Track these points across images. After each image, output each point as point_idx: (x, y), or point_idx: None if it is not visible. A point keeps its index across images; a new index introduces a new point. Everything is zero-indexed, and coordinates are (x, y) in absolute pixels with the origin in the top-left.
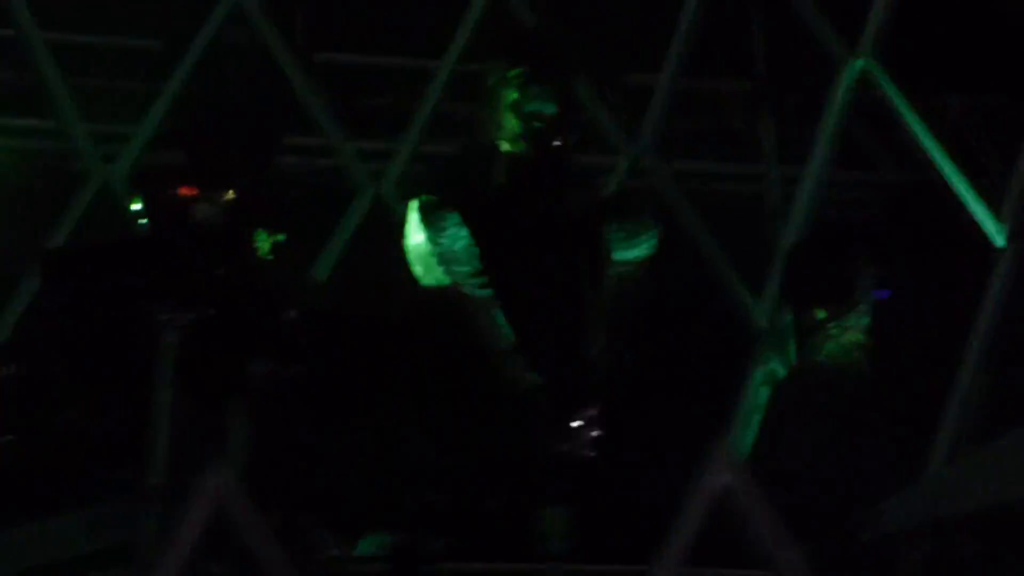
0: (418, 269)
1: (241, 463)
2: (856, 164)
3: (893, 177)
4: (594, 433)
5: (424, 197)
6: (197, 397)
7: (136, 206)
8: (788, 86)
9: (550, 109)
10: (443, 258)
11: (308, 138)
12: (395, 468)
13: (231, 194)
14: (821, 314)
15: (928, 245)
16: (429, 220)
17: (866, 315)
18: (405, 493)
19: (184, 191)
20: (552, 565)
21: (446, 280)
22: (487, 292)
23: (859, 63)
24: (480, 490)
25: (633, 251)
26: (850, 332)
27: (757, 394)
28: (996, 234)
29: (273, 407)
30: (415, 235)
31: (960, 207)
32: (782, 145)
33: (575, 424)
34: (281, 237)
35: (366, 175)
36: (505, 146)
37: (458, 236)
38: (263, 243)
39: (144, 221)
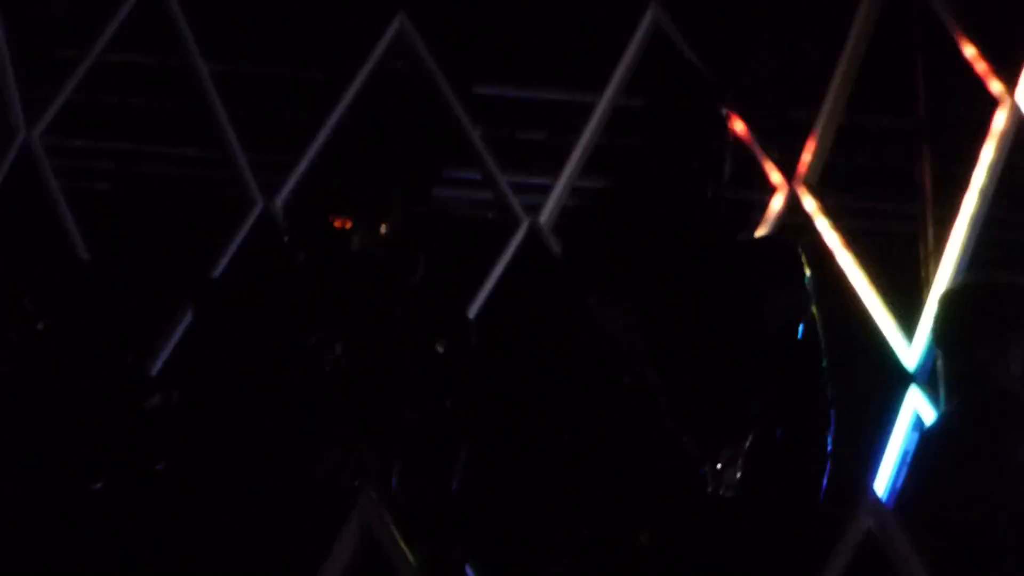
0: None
1: (391, 495)
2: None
3: None
4: (737, 474)
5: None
6: (349, 428)
7: (294, 236)
8: (949, 123)
9: (705, 145)
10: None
11: (466, 170)
12: (546, 503)
13: (387, 226)
14: (974, 360)
15: None
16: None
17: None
18: (557, 529)
19: (341, 222)
20: None
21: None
22: (636, 334)
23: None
24: (630, 526)
25: (785, 294)
26: (1004, 377)
27: (906, 438)
28: None
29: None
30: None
31: None
32: (942, 184)
33: (719, 465)
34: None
35: (523, 208)
36: (659, 183)
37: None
38: (418, 276)
39: (301, 251)
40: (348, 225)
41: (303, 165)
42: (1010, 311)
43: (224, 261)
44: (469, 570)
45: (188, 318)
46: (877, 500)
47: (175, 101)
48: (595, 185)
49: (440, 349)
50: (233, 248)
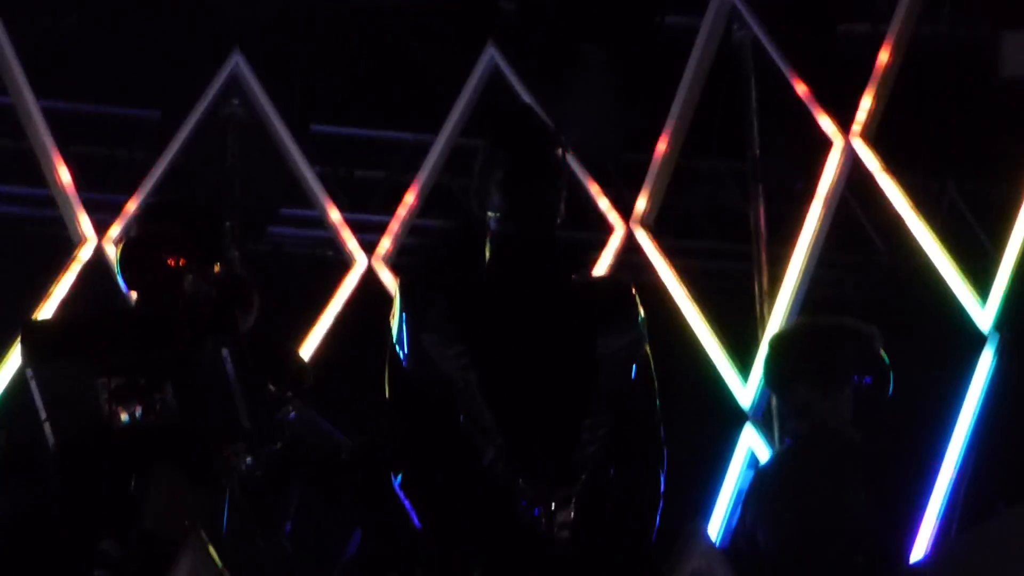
0: (402, 349)
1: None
2: (851, 246)
3: (887, 259)
4: (571, 515)
5: (409, 274)
6: (178, 471)
7: (123, 275)
8: (781, 165)
9: (537, 187)
10: (425, 338)
11: (302, 209)
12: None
13: (219, 266)
14: (804, 400)
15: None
16: (410, 299)
17: (850, 401)
18: (385, 569)
19: (172, 261)
20: None
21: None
22: (471, 374)
23: (851, 143)
24: (462, 567)
25: (619, 334)
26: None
27: (741, 475)
28: (983, 321)
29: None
30: (400, 311)
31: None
32: (775, 224)
33: (552, 506)
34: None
35: (360, 247)
36: (494, 223)
37: (443, 316)
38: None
39: (133, 292)
40: (181, 263)
41: (136, 204)
42: (836, 352)
43: (55, 302)
44: None
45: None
46: (708, 541)
47: (5, 139)
48: (432, 223)
49: (273, 390)
50: (64, 289)
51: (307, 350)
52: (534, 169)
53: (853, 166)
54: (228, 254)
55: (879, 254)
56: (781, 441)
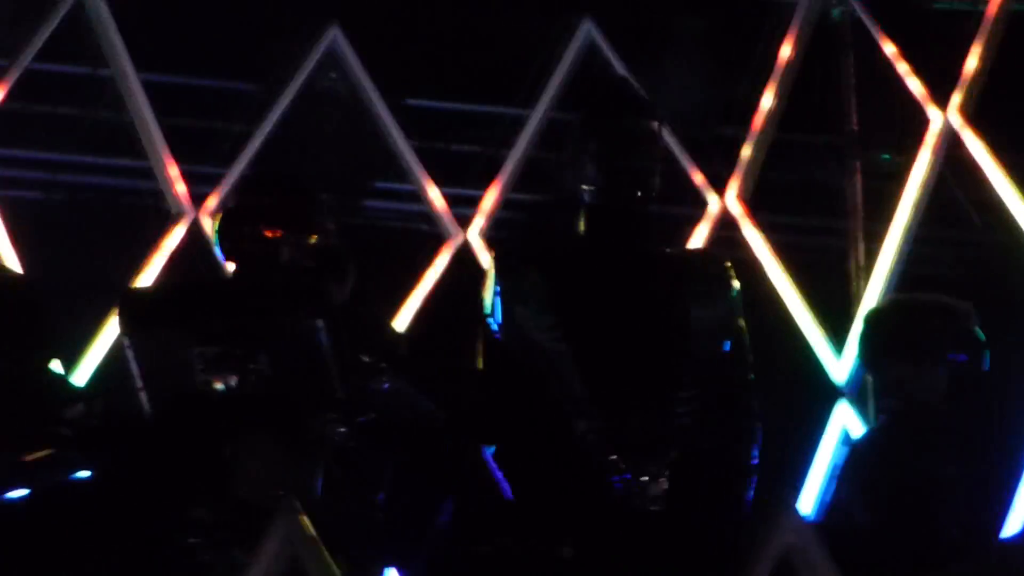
0: (495, 320)
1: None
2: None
3: (984, 237)
4: (663, 487)
5: (504, 248)
6: (272, 440)
7: (220, 246)
8: (879, 141)
9: (634, 160)
10: (519, 310)
11: (398, 183)
12: (467, 512)
13: (317, 237)
14: (898, 377)
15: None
16: (504, 270)
17: (944, 379)
18: (477, 538)
19: (269, 233)
20: None
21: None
22: (563, 345)
23: (948, 120)
24: (553, 537)
25: (712, 307)
26: (923, 393)
27: (835, 452)
28: None
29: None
30: (494, 284)
31: None
32: (871, 201)
33: (644, 478)
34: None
35: (454, 221)
36: (588, 196)
37: (537, 288)
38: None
39: (230, 262)
40: (278, 235)
41: (234, 176)
42: (932, 330)
43: (153, 272)
44: None
45: (114, 329)
46: (799, 516)
47: (105, 111)
48: (528, 198)
49: (367, 360)
50: (162, 259)
51: (401, 323)
52: (630, 141)
53: (951, 142)
54: (324, 226)
55: (976, 231)
56: (876, 418)
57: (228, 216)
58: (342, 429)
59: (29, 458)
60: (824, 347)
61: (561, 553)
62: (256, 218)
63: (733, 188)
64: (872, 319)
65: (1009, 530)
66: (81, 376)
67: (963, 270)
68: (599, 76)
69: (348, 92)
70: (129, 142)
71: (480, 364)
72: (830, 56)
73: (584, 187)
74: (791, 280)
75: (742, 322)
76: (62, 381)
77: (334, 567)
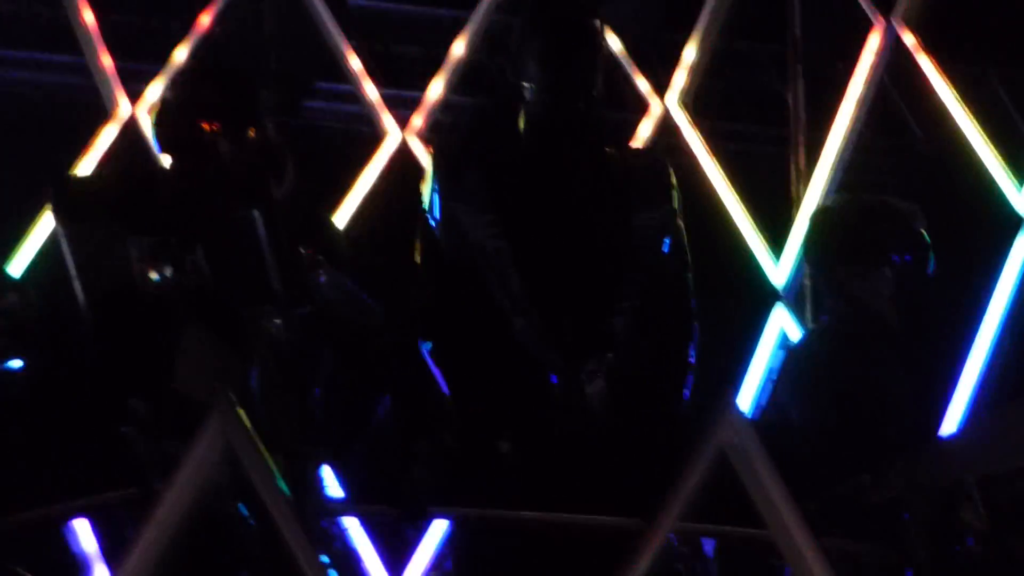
0: (433, 217)
1: (249, 401)
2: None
3: (925, 146)
4: (600, 385)
5: (443, 145)
6: (208, 333)
7: (157, 138)
8: (821, 49)
9: (575, 59)
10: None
11: (337, 84)
12: (405, 408)
13: (254, 131)
14: (842, 277)
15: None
16: (443, 168)
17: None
18: (416, 435)
19: (207, 125)
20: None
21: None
22: (502, 243)
23: (894, 27)
24: (490, 433)
25: (652, 206)
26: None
27: (772, 355)
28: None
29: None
30: (433, 182)
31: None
32: (812, 108)
33: (582, 375)
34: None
35: (394, 121)
36: (529, 95)
37: (476, 185)
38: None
39: (165, 154)
40: (216, 128)
41: (170, 72)
42: (877, 229)
43: (88, 167)
44: (328, 477)
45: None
46: (737, 413)
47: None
48: (468, 100)
49: (305, 254)
50: (97, 155)
51: (340, 221)
52: (573, 39)
53: (894, 50)
54: (263, 121)
55: (917, 140)
56: (815, 320)
57: (166, 108)
58: (278, 322)
59: None
60: (763, 251)
61: (499, 448)
62: (194, 110)
63: (675, 93)
64: (818, 217)
65: (946, 429)
66: (16, 267)
67: (904, 178)
68: None
69: None
70: (64, 38)
71: (418, 260)
72: None
73: (526, 85)
74: (731, 185)
75: (681, 223)
76: None
77: (270, 461)
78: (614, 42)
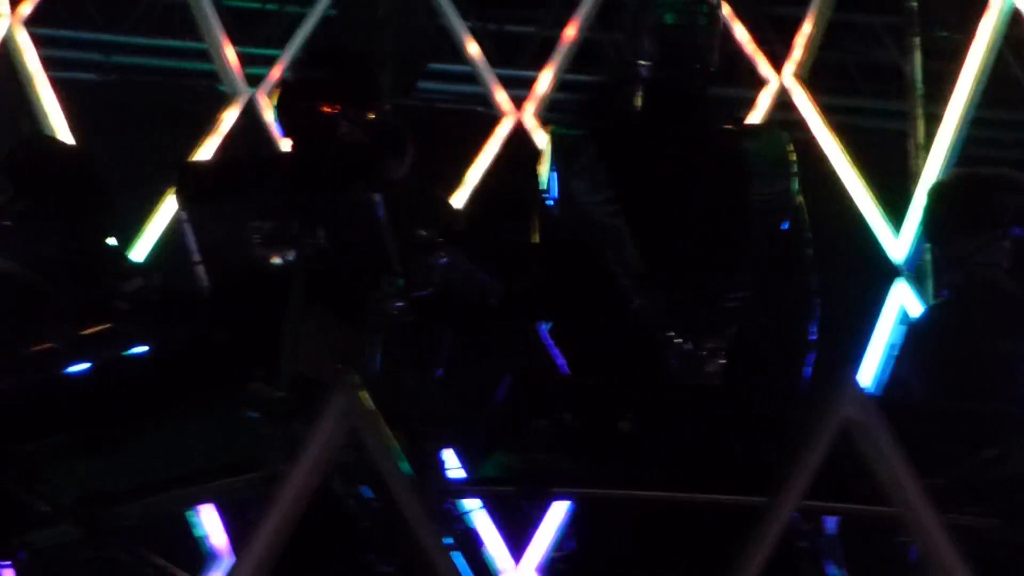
0: (551, 195)
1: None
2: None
3: None
4: (720, 363)
5: (557, 126)
6: (330, 315)
7: (279, 122)
8: (938, 21)
9: (692, 35)
10: (576, 186)
11: (453, 64)
12: (524, 388)
13: (374, 113)
14: (962, 251)
15: None
16: (560, 147)
17: (1009, 253)
18: (534, 413)
19: (327, 108)
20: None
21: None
22: (620, 221)
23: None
24: (611, 412)
25: (772, 183)
26: (988, 269)
27: (893, 330)
28: None
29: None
30: (551, 160)
31: None
32: (931, 81)
33: (702, 352)
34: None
35: (509, 102)
36: (645, 71)
37: (593, 164)
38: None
39: (286, 137)
40: (336, 110)
41: (288, 56)
42: (996, 202)
43: (209, 152)
44: (450, 457)
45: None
46: (859, 390)
47: None
48: (584, 79)
49: (424, 235)
50: (218, 139)
51: (458, 201)
52: (688, 13)
53: (1012, 21)
54: (382, 102)
55: None
56: (936, 295)
57: (287, 91)
58: (400, 304)
59: (88, 332)
60: (883, 226)
61: (619, 427)
62: (315, 93)
63: (791, 67)
64: (936, 192)
65: None
66: (139, 252)
67: (1022, 152)
68: None
69: None
70: (184, 23)
71: (537, 240)
72: None
73: (641, 63)
74: (849, 160)
75: (801, 199)
76: (120, 256)
77: (393, 442)
78: (730, 17)
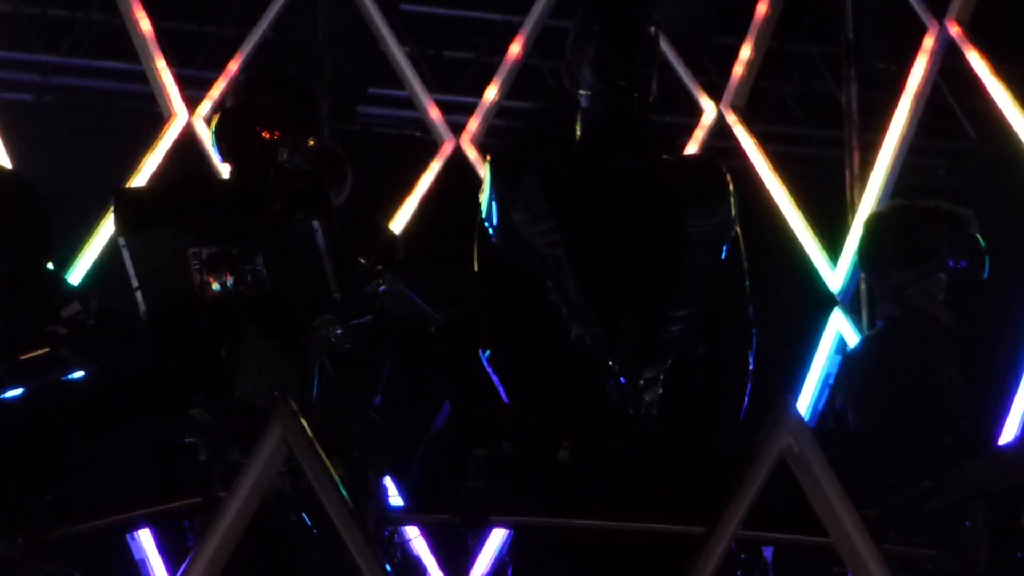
0: (491, 224)
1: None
2: (944, 132)
3: (982, 147)
4: (659, 392)
5: (500, 152)
6: (269, 342)
7: (217, 147)
8: (876, 51)
9: (630, 64)
10: (515, 215)
11: (392, 89)
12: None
13: (314, 140)
14: (897, 282)
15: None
16: (500, 176)
17: (944, 285)
18: (472, 442)
19: (267, 134)
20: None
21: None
22: (560, 251)
23: (947, 29)
24: (549, 441)
25: (710, 214)
26: (924, 301)
27: (828, 359)
28: None
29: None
30: (490, 188)
31: None
32: (867, 111)
33: (640, 382)
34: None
35: (447, 127)
36: (585, 101)
37: (533, 192)
38: (346, 190)
39: (225, 163)
40: (276, 136)
41: (227, 78)
42: (932, 234)
43: (146, 175)
44: (388, 485)
45: (109, 229)
46: (796, 418)
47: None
48: (523, 105)
49: (363, 262)
50: (156, 162)
51: (395, 229)
52: (627, 43)
53: (947, 51)
54: (322, 129)
55: (972, 141)
56: (871, 326)
57: (226, 115)
58: (339, 331)
59: (24, 357)
60: (819, 256)
61: (558, 456)
62: (255, 118)
63: (728, 96)
64: (872, 223)
65: (1005, 437)
66: (76, 276)
67: (958, 180)
68: None
69: None
70: (122, 45)
71: (476, 268)
72: None
73: (581, 92)
74: (786, 189)
75: (738, 229)
76: (58, 280)
77: (331, 469)
78: (667, 46)
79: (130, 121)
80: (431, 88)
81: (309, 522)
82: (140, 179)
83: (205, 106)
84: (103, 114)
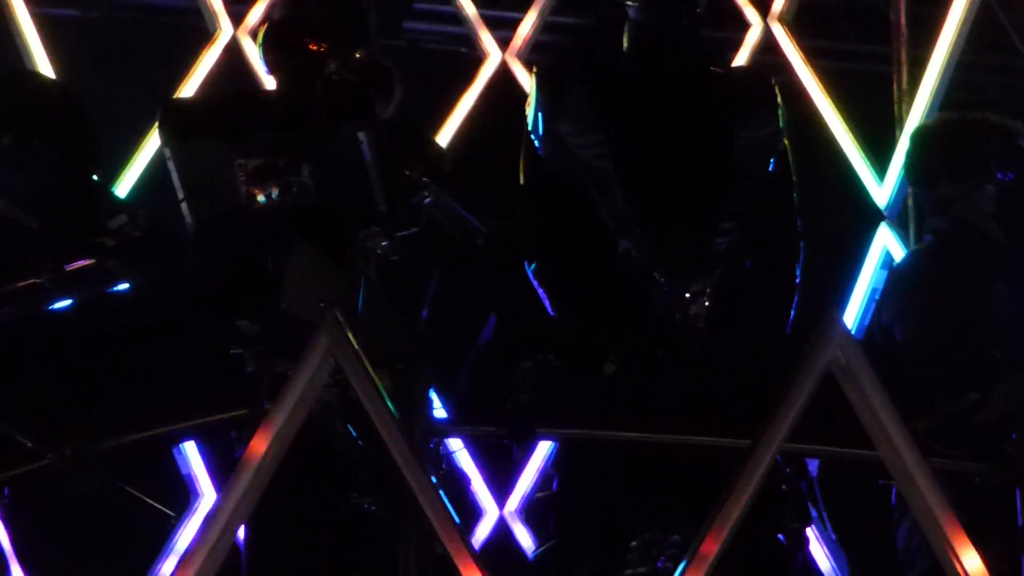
0: (537, 137)
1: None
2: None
3: None
4: (705, 305)
5: (546, 65)
6: (315, 253)
7: (264, 59)
8: None
9: None
10: (562, 127)
11: (438, 4)
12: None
13: (361, 52)
14: (945, 196)
15: None
16: (547, 88)
17: (992, 198)
18: (519, 354)
19: (314, 46)
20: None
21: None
22: (607, 163)
23: None
24: (595, 353)
25: (759, 126)
26: (973, 214)
27: (875, 274)
28: None
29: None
30: (536, 101)
31: None
32: (916, 26)
33: (687, 295)
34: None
35: (494, 43)
36: (632, 12)
37: (580, 105)
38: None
39: (271, 75)
40: (323, 48)
41: None
42: (980, 147)
43: (190, 90)
44: (435, 398)
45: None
46: (844, 331)
47: None
48: (570, 20)
49: (410, 175)
50: (201, 76)
51: (442, 143)
52: None
53: None
54: (370, 42)
55: (1022, 57)
56: (919, 239)
57: (273, 27)
58: (385, 243)
59: (72, 268)
60: (866, 170)
61: (604, 368)
62: (302, 30)
63: (776, 10)
64: (920, 135)
65: None
66: (123, 188)
67: (1007, 97)
68: None
69: None
70: None
71: (522, 180)
72: None
73: (629, 3)
74: (833, 104)
75: (786, 141)
76: (105, 192)
77: (377, 381)
78: None
79: (176, 36)
80: (477, 3)
81: (355, 433)
82: (186, 93)
83: (251, 20)
84: (148, 30)
